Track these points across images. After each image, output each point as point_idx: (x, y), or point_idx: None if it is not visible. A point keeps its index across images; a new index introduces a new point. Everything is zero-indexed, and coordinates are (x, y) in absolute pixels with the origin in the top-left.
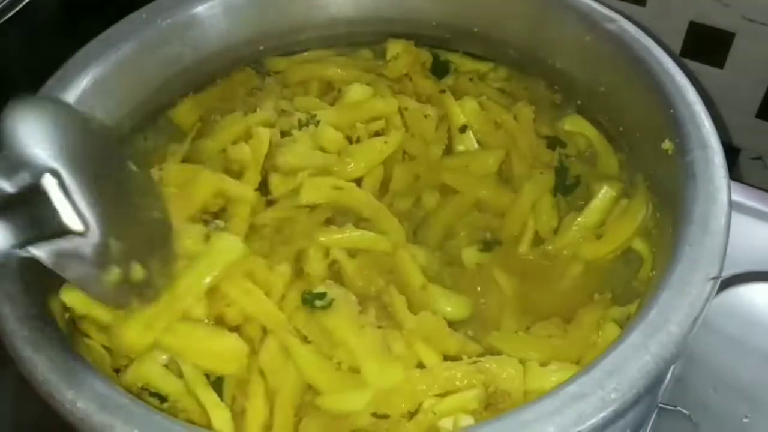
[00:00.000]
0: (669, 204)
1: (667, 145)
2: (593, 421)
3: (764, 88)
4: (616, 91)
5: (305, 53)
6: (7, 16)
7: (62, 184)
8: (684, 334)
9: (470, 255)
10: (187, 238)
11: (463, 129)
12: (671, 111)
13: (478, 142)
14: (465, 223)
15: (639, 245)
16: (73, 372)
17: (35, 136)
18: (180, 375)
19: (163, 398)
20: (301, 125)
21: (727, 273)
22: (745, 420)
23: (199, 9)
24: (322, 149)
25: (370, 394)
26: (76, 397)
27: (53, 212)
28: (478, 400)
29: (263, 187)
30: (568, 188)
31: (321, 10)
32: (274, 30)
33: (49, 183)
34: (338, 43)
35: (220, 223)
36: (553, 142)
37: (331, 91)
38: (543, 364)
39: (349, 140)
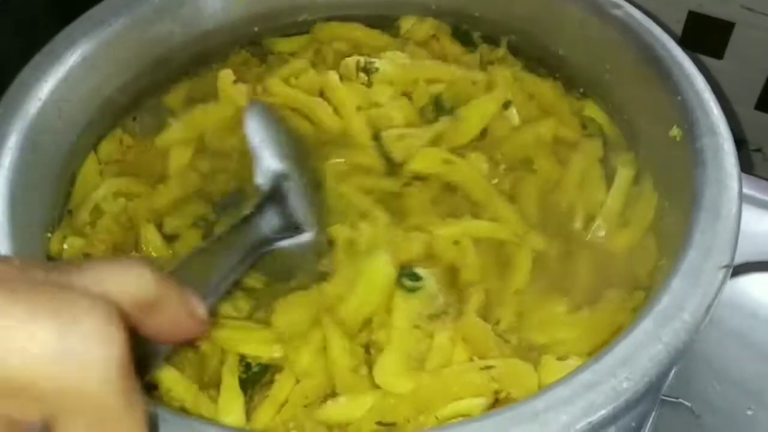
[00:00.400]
0: (677, 192)
1: (675, 132)
2: (603, 412)
3: (764, 79)
4: (621, 78)
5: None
6: None
7: (294, 187)
8: (697, 323)
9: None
10: None
11: (507, 105)
12: (679, 98)
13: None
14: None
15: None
16: None
17: (271, 142)
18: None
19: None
20: (359, 69)
21: None
22: (749, 412)
23: None
24: (375, 103)
25: (372, 402)
26: None
27: (290, 212)
28: (483, 407)
29: None
30: None
31: None
32: (272, 9)
33: (286, 186)
34: None
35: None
36: None
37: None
38: (561, 358)
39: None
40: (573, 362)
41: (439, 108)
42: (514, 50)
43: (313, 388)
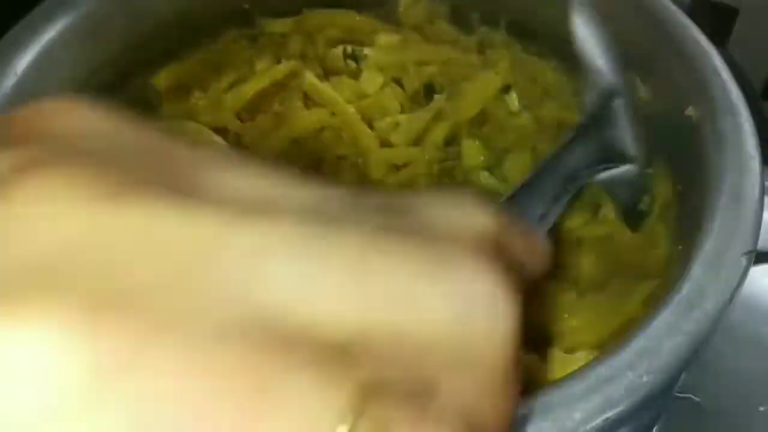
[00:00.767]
0: (693, 175)
1: (691, 111)
2: (621, 408)
3: None
4: (633, 57)
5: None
6: None
7: (624, 106)
8: (720, 312)
9: None
10: None
11: (506, 89)
12: (695, 76)
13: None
14: None
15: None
16: None
17: (600, 47)
18: None
19: None
20: (347, 57)
21: None
22: (762, 408)
23: None
24: (363, 94)
25: None
26: None
27: (618, 138)
28: None
29: None
30: None
31: None
32: None
33: (619, 106)
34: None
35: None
36: None
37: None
38: (568, 351)
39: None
40: (581, 355)
41: (431, 93)
42: (514, 30)
43: None
